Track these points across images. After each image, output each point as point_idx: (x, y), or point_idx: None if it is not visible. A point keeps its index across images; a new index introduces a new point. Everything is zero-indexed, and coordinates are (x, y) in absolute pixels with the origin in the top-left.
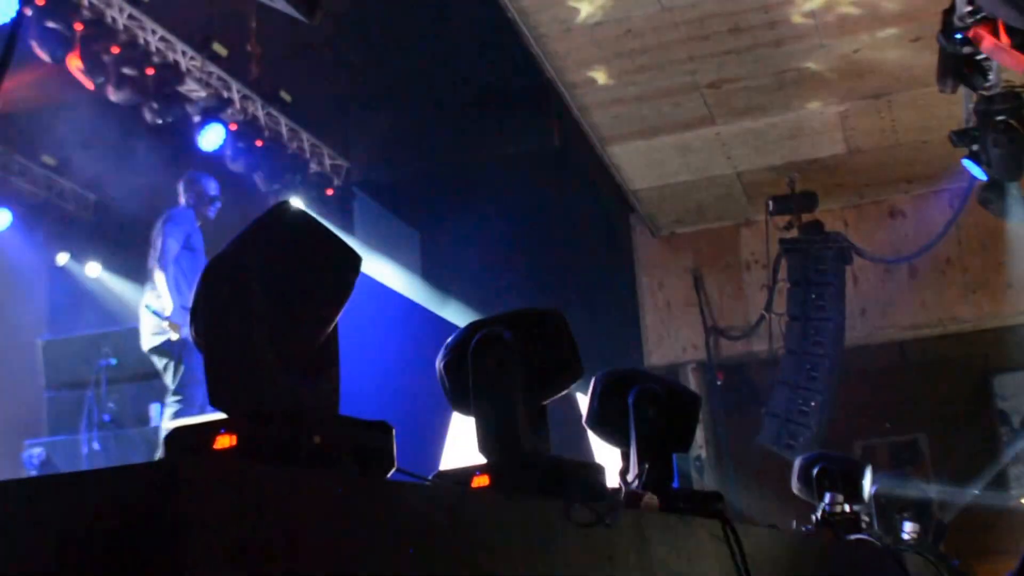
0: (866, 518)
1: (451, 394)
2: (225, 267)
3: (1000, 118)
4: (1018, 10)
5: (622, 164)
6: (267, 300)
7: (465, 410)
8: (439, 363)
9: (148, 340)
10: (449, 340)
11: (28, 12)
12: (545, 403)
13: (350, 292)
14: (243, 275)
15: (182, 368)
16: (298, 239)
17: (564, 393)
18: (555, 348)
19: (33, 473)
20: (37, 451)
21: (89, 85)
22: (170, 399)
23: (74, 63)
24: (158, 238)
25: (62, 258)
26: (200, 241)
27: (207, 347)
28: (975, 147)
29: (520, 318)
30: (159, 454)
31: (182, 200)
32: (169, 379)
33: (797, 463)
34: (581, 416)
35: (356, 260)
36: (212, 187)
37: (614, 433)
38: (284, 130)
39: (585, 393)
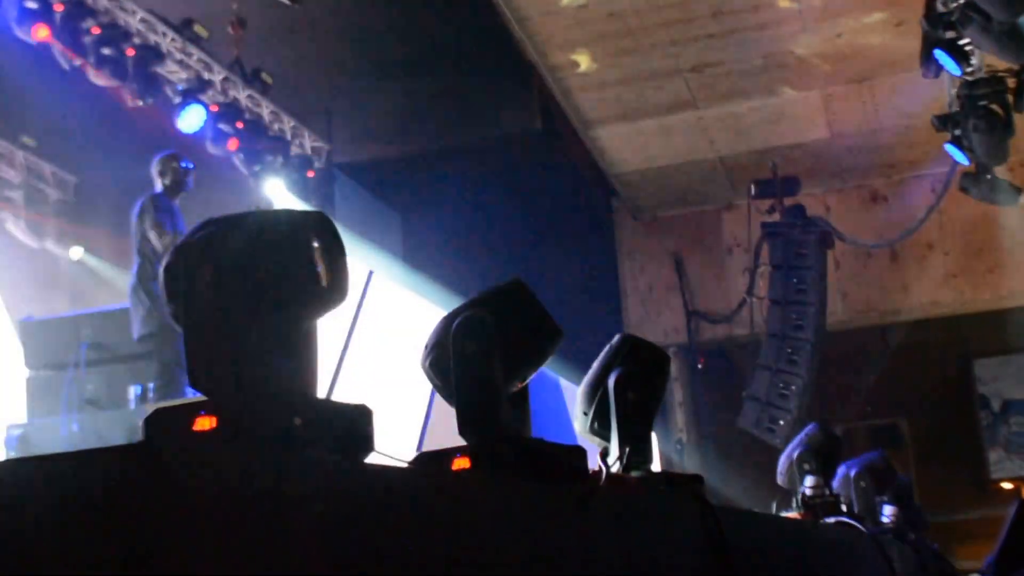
0: (846, 503)
1: (442, 390)
2: (202, 248)
3: (982, 103)
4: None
5: (604, 147)
6: (246, 281)
7: (452, 399)
8: (424, 363)
9: (140, 326)
10: (428, 340)
11: None
12: (528, 380)
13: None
14: (222, 256)
15: (169, 351)
16: (278, 223)
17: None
18: (524, 317)
19: (12, 454)
20: (16, 432)
21: (68, 65)
22: (157, 381)
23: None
24: (137, 225)
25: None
26: (183, 222)
27: (185, 329)
28: (957, 132)
29: (484, 299)
30: (138, 436)
31: (158, 184)
32: (156, 362)
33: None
34: (563, 401)
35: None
36: (184, 161)
37: (606, 432)
38: (265, 112)
39: (569, 378)
